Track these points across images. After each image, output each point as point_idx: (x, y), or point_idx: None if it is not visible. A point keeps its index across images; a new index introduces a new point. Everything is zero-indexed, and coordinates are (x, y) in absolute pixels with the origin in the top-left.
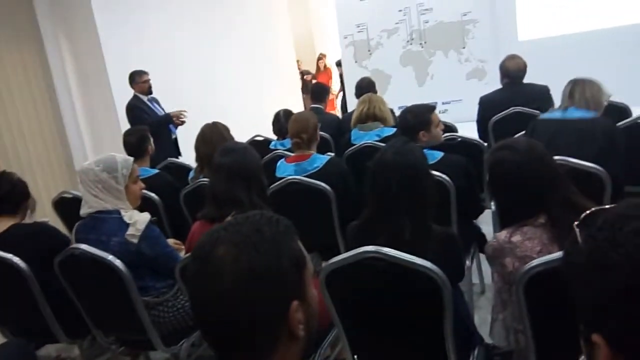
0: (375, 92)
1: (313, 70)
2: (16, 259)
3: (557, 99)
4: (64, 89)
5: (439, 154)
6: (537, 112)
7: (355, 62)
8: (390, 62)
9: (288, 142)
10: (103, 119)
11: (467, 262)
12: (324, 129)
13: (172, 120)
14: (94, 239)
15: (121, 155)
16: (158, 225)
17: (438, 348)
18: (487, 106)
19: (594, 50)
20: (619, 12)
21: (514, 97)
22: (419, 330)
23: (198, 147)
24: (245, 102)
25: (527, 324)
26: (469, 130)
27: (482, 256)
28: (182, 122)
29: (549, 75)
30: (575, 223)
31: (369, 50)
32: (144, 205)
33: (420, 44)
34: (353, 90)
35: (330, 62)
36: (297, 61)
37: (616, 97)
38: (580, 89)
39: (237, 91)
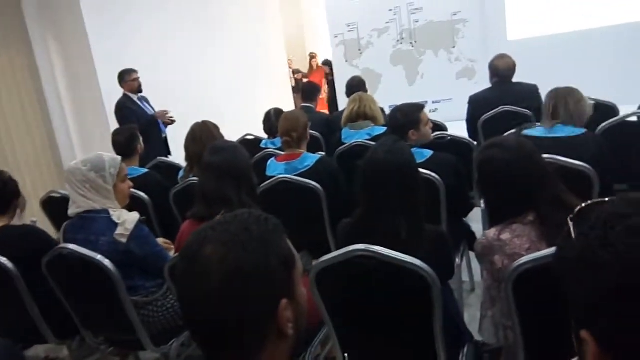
0: (366, 91)
1: (305, 69)
2: (3, 259)
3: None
4: (52, 88)
5: (429, 153)
6: (527, 111)
7: (346, 61)
8: (381, 62)
9: (279, 141)
10: (92, 118)
11: (457, 260)
12: (315, 128)
13: (157, 121)
14: (83, 239)
15: (109, 154)
16: (147, 224)
17: (428, 346)
18: (477, 105)
19: (582, 50)
20: (607, 12)
21: (503, 96)
22: (409, 328)
23: (188, 146)
24: (236, 101)
25: (516, 321)
26: (459, 129)
27: (472, 254)
28: (172, 122)
29: (538, 74)
30: (570, 217)
31: (359, 50)
32: (133, 204)
33: (411, 43)
34: (344, 89)
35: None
36: (288, 60)
37: (604, 96)
38: (563, 103)
39: (228, 90)
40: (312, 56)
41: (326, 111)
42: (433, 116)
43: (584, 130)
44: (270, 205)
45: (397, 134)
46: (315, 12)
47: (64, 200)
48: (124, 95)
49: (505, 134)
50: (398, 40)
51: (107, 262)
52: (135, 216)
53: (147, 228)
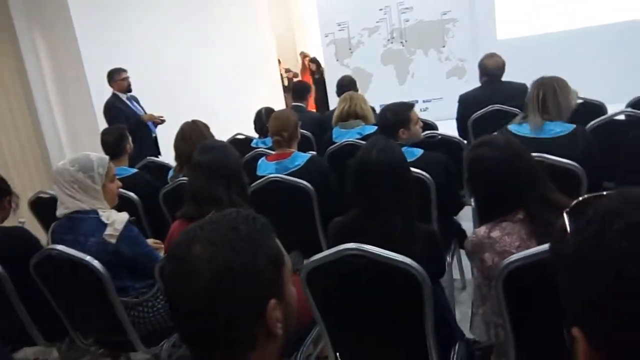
0: (357, 90)
1: (294, 68)
2: None
3: None
4: (40, 88)
5: (419, 152)
6: (516, 110)
7: (337, 60)
8: (371, 61)
9: (270, 141)
10: (80, 118)
11: (448, 258)
12: (306, 127)
13: (146, 122)
14: (71, 240)
15: (96, 154)
16: (137, 225)
17: (419, 344)
18: (467, 104)
19: (571, 49)
20: (595, 12)
21: (493, 95)
22: (400, 326)
23: (177, 146)
24: (226, 101)
25: (506, 318)
26: (449, 128)
27: (463, 252)
28: (162, 122)
29: (528, 73)
30: (566, 210)
31: (350, 49)
32: (122, 205)
33: (401, 42)
34: (334, 89)
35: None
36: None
37: (592, 95)
38: (552, 96)
39: (218, 90)
40: (305, 55)
41: (313, 110)
42: (423, 115)
43: (573, 127)
44: (261, 205)
45: (387, 133)
46: (305, 11)
47: (53, 201)
48: (113, 94)
49: (495, 132)
50: (388, 40)
51: (96, 262)
52: (124, 216)
53: (136, 228)
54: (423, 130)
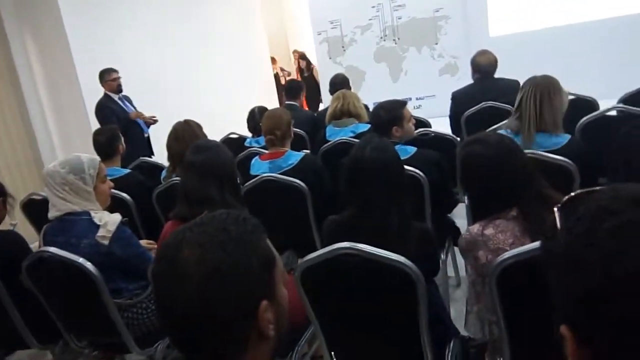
0: (349, 88)
1: (287, 67)
2: None
3: None
4: (31, 89)
5: (412, 149)
6: (509, 106)
7: (330, 58)
8: (364, 58)
9: (263, 140)
10: (72, 119)
11: (442, 256)
12: (299, 126)
13: (136, 121)
14: (63, 242)
15: (87, 155)
16: (131, 226)
17: (414, 342)
18: (459, 101)
19: (564, 45)
20: (587, 8)
21: (485, 92)
22: (394, 325)
23: (170, 146)
24: (220, 100)
25: (500, 315)
26: (442, 125)
27: (457, 249)
28: (155, 121)
29: (520, 70)
30: (557, 206)
31: (342, 47)
32: (115, 206)
33: (394, 40)
34: (327, 87)
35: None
36: (272, 58)
37: (584, 91)
38: (548, 103)
39: (211, 89)
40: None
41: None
42: (417, 113)
43: (567, 138)
44: (255, 204)
45: (380, 131)
46: (297, 9)
47: (45, 203)
48: (105, 94)
49: (488, 129)
50: (381, 37)
51: (89, 264)
52: (116, 217)
53: (129, 229)
54: (416, 128)
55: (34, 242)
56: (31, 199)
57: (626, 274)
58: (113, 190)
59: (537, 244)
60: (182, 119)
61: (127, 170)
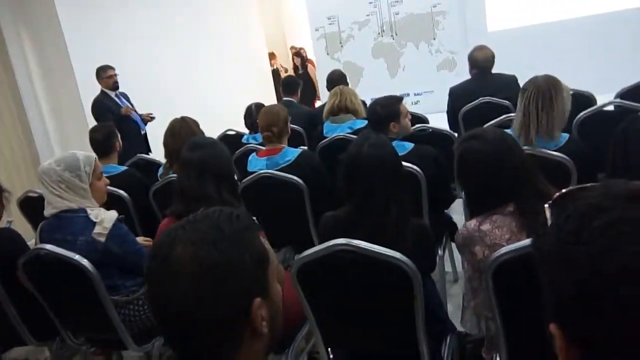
0: (347, 84)
1: (287, 63)
2: None
3: None
4: (28, 86)
5: (410, 145)
6: (507, 102)
7: (327, 54)
8: (362, 54)
9: (260, 136)
10: (69, 116)
11: (440, 252)
12: (297, 122)
13: (131, 118)
14: (60, 239)
15: (82, 152)
16: (128, 223)
17: (410, 338)
18: (457, 97)
19: (562, 40)
20: (586, 3)
21: (483, 87)
22: (391, 321)
23: (167, 142)
24: (217, 97)
25: (496, 311)
26: (441, 121)
27: (455, 245)
28: (152, 118)
29: (518, 65)
30: (547, 203)
31: (340, 43)
32: (112, 203)
33: (391, 35)
34: (324, 83)
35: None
36: (272, 53)
37: (581, 86)
38: (551, 110)
39: (209, 86)
40: (300, 49)
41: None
42: (415, 108)
43: (566, 138)
44: (252, 201)
45: (378, 127)
46: (294, 5)
47: (41, 200)
48: (101, 92)
49: (485, 125)
50: (379, 33)
51: (85, 262)
52: (113, 215)
53: (125, 226)
54: (413, 124)
55: (31, 239)
56: (28, 196)
57: (616, 271)
58: (110, 187)
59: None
60: (179, 116)
61: (124, 168)
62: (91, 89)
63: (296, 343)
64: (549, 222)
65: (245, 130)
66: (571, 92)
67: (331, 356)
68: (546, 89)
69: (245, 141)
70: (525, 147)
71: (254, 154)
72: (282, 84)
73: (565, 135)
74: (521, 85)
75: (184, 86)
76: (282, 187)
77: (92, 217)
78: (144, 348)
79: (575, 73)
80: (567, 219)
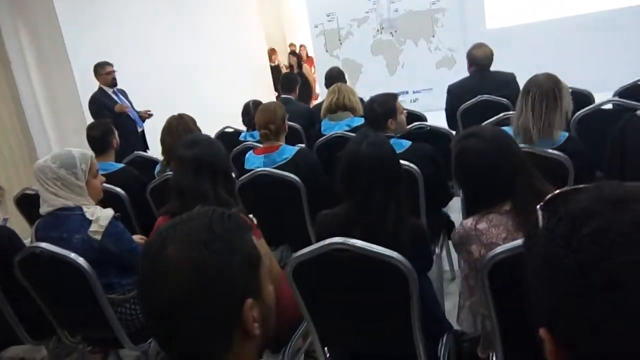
0: (345, 81)
1: (286, 60)
2: None
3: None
4: (26, 83)
5: (407, 143)
6: (505, 100)
7: (326, 51)
8: (361, 52)
9: (258, 134)
10: (67, 113)
11: (437, 250)
12: (295, 119)
13: (127, 115)
14: (55, 237)
15: (78, 150)
16: (125, 221)
17: (406, 337)
18: (455, 94)
19: (561, 38)
20: (584, 1)
21: (481, 85)
22: (387, 320)
23: (164, 140)
24: (215, 94)
25: (492, 310)
26: (439, 118)
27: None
28: (150, 115)
29: (517, 62)
30: (539, 205)
31: (339, 40)
32: (109, 200)
33: (391, 32)
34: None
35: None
36: (273, 49)
37: (580, 84)
38: (552, 111)
39: (207, 83)
40: (302, 46)
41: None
42: (414, 106)
43: (564, 137)
44: (249, 199)
45: (376, 124)
46: (294, 2)
47: (38, 197)
48: (99, 88)
49: (484, 123)
50: (378, 30)
51: (81, 260)
52: (109, 212)
53: (121, 224)
54: (411, 122)
55: (29, 237)
56: (25, 193)
57: (604, 280)
58: (107, 185)
59: None
60: (176, 113)
61: (121, 165)
62: (89, 86)
63: (293, 342)
64: (541, 224)
65: (243, 128)
66: (570, 90)
67: (328, 355)
68: (550, 88)
69: (242, 139)
70: (523, 146)
71: (251, 151)
72: (281, 81)
73: (564, 134)
74: (520, 83)
75: (182, 83)
76: (279, 184)
77: (88, 215)
78: (141, 347)
79: (574, 70)
80: (558, 223)
